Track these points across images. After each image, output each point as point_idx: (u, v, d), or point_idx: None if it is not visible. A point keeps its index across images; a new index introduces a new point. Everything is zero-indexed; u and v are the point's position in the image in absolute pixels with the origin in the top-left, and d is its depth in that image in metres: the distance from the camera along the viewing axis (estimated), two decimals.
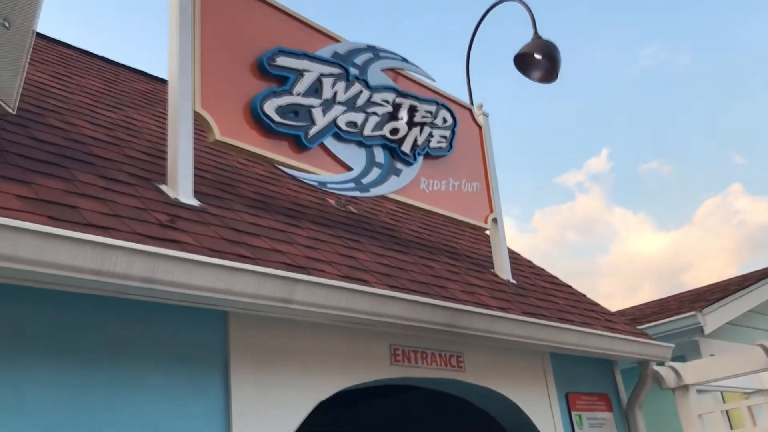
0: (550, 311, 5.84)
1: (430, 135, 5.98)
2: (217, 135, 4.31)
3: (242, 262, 3.39)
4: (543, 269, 7.78)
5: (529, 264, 7.74)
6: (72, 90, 5.54)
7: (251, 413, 3.55)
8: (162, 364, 3.33)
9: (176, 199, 3.96)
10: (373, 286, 4.06)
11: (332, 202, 5.95)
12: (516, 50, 7.75)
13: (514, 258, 7.63)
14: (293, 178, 4.83)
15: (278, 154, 4.68)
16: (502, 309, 5.05)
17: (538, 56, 7.01)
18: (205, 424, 3.38)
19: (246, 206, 4.54)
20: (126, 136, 4.88)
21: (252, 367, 3.66)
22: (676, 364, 6.48)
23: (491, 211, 6.44)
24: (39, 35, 6.81)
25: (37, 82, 5.24)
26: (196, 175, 4.66)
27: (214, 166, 5.23)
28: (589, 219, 37.43)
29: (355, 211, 6.08)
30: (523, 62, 7.16)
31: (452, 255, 6.22)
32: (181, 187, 4.03)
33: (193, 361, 3.46)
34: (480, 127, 6.72)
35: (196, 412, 3.38)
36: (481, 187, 6.47)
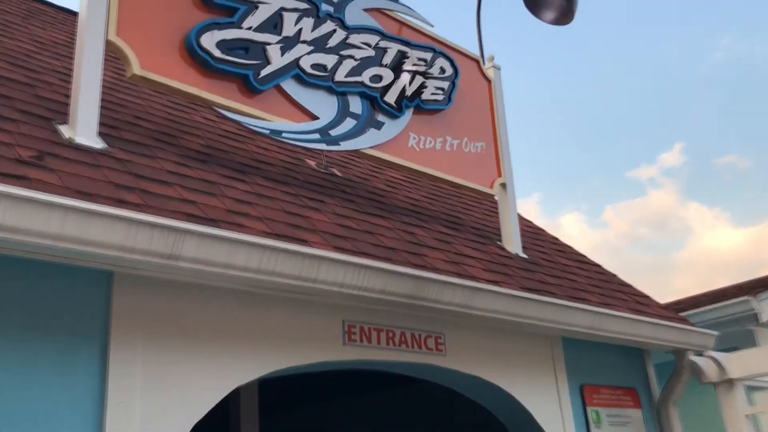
0: (562, 289, 4.97)
1: (423, 85, 5.18)
2: (135, 68, 3.64)
3: (116, 207, 2.70)
4: (570, 247, 6.87)
5: (554, 240, 6.84)
6: (14, 36, 4.99)
7: (135, 401, 2.86)
8: (14, 332, 2.68)
9: (70, 138, 3.31)
10: (311, 246, 3.32)
11: (312, 163, 5.22)
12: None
13: (536, 233, 6.76)
14: (238, 124, 4.13)
15: (219, 95, 3.98)
16: (491, 282, 4.23)
17: None
18: (69, 416, 2.72)
19: (178, 156, 3.87)
20: (53, 79, 4.28)
21: (142, 341, 2.97)
22: (719, 355, 5.50)
23: (499, 175, 5.59)
24: None
25: None
26: (123, 120, 4.04)
27: (160, 112, 4.58)
28: (662, 214, 35.51)
29: (339, 174, 5.34)
30: (534, 1, 6.27)
31: (451, 225, 5.42)
32: (80, 126, 3.38)
33: (60, 330, 2.79)
34: (489, 81, 5.87)
35: (59, 398, 2.71)
36: (488, 148, 5.63)
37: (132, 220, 2.65)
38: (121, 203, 2.81)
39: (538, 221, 7.05)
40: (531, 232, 6.65)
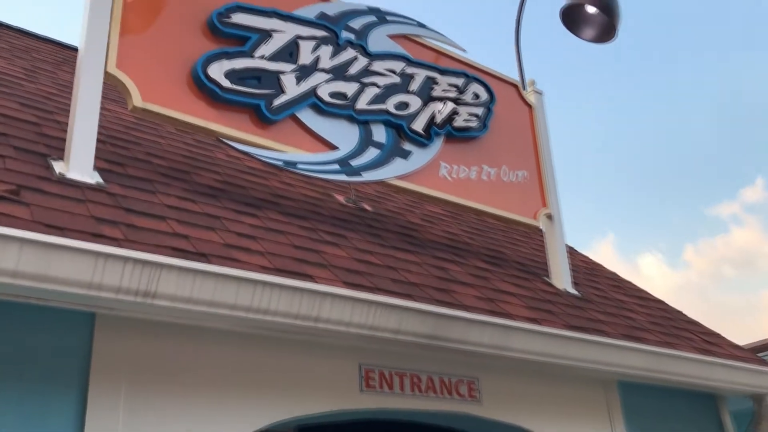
0: (616, 327, 4.48)
1: (454, 112, 4.87)
2: (136, 100, 3.47)
3: (86, 242, 2.47)
4: (630, 283, 6.33)
5: (612, 276, 6.32)
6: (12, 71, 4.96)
7: None
8: None
9: (61, 174, 3.13)
10: (315, 282, 3.01)
11: (340, 198, 4.95)
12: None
13: (592, 268, 6.27)
14: (248, 156, 3.90)
15: (228, 126, 3.77)
16: (530, 320, 3.81)
17: (591, 9, 5.69)
18: None
19: (184, 191, 3.65)
20: (65, 119, 4.16)
21: (125, 389, 2.70)
22: None
23: (544, 205, 5.19)
24: None
25: None
26: (132, 157, 3.87)
27: (178, 150, 4.41)
28: (747, 252, 33.52)
29: (369, 208, 5.05)
30: (572, 17, 5.88)
31: (492, 260, 5.02)
32: (74, 161, 3.21)
33: (34, 378, 2.55)
34: (530, 107, 5.51)
35: None
36: (531, 177, 5.25)
37: (100, 254, 2.40)
38: (96, 237, 2.57)
39: (615, 263, 6.52)
40: (586, 268, 6.17)
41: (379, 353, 3.45)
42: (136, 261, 2.47)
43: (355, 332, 3.00)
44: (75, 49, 6.42)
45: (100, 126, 4.29)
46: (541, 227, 5.17)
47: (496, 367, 3.87)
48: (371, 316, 3.03)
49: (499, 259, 5.14)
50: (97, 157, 3.56)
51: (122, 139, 4.19)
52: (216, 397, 2.90)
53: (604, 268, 6.56)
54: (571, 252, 6.48)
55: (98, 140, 3.95)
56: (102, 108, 4.76)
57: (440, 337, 3.26)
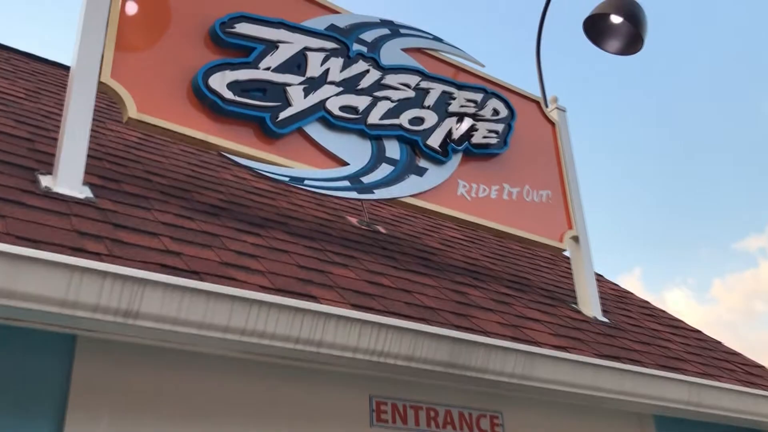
0: (651, 357, 4.13)
1: (473, 128, 4.62)
2: (131, 111, 3.26)
3: (62, 255, 2.22)
4: (663, 311, 5.97)
5: (643, 303, 5.96)
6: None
7: None
8: None
9: (47, 188, 2.91)
10: (319, 302, 2.73)
11: (353, 220, 4.69)
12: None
13: (622, 296, 5.92)
14: (252, 171, 3.66)
15: (230, 140, 3.54)
16: (557, 348, 3.49)
17: (616, 19, 5.42)
18: None
19: (183, 209, 3.41)
20: (51, 132, 3.97)
21: (108, 421, 2.42)
22: None
23: (570, 227, 4.88)
24: None
25: None
26: (131, 174, 3.65)
27: (182, 169, 4.19)
28: None
29: (384, 231, 4.78)
30: (595, 28, 5.62)
31: (515, 285, 4.71)
32: (62, 175, 2.99)
33: (3, 407, 2.29)
34: (553, 124, 5.24)
35: None
36: (556, 197, 4.95)
37: (75, 268, 2.15)
38: (75, 251, 2.33)
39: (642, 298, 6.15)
40: (615, 295, 5.82)
41: (392, 383, 3.15)
42: (116, 276, 2.22)
43: (363, 359, 2.71)
44: None
45: (99, 144, 4.12)
46: (566, 250, 4.85)
47: (521, 400, 3.55)
48: (381, 341, 2.74)
49: (522, 284, 4.83)
50: (91, 174, 3.38)
51: (122, 157, 3.98)
52: (208, 429, 2.61)
53: (634, 296, 6.20)
54: (600, 279, 6.14)
55: (96, 157, 3.77)
56: (104, 127, 4.62)
57: (458, 365, 2.95)
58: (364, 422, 3.04)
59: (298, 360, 2.72)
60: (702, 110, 25.43)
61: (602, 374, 3.43)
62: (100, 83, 3.22)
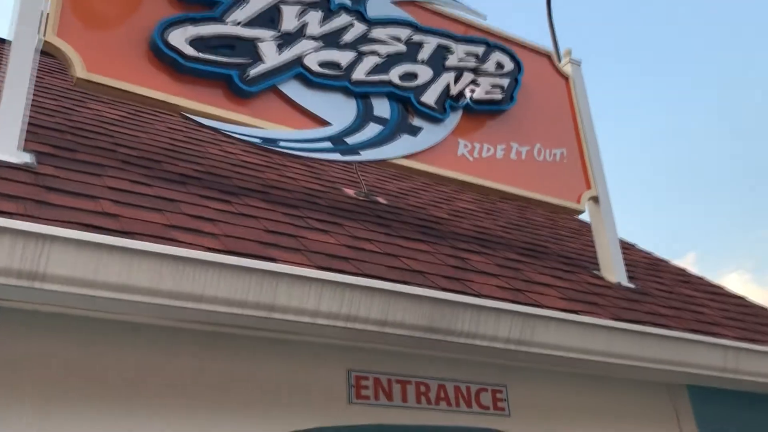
0: (682, 322, 3.69)
1: (474, 83, 4.24)
2: (79, 71, 2.99)
3: None
4: (703, 278, 5.47)
5: (679, 272, 5.48)
6: None
7: None
8: None
9: None
10: (275, 262, 2.40)
11: (350, 192, 4.36)
12: None
13: (654, 264, 5.45)
14: (218, 132, 3.35)
15: (193, 100, 3.25)
16: (566, 311, 3.08)
17: None
18: None
19: (144, 176, 3.13)
20: None
21: (30, 404, 2.14)
22: None
23: (588, 187, 4.47)
24: None
25: None
26: (95, 146, 3.39)
27: (162, 144, 3.92)
28: None
29: (384, 202, 4.43)
30: None
31: (528, 252, 4.31)
32: None
33: None
34: (567, 78, 4.82)
35: None
36: (572, 156, 4.54)
37: None
38: None
39: None
40: (647, 263, 5.36)
41: (373, 355, 2.80)
42: (17, 233, 1.93)
43: (326, 324, 2.37)
44: None
45: (69, 119, 3.88)
46: (585, 212, 4.43)
47: (528, 372, 3.16)
48: (347, 304, 2.40)
49: (538, 252, 4.43)
50: (45, 144, 3.13)
51: (91, 130, 3.73)
52: (144, 413, 2.31)
53: (669, 264, 5.71)
54: (629, 248, 5.69)
55: (59, 130, 3.53)
56: (83, 106, 4.39)
57: (441, 329, 2.59)
58: (342, 399, 2.71)
59: (250, 328, 2.40)
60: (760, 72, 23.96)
61: (617, 338, 3.03)
62: (44, 43, 2.96)
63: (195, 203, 2.95)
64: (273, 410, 2.53)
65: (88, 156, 3.17)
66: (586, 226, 6.05)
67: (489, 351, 2.78)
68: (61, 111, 4.02)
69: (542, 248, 4.59)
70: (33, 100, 3.80)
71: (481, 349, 2.76)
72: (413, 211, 4.44)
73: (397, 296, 2.49)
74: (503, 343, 2.74)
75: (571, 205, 4.34)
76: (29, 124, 3.37)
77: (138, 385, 2.30)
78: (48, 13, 2.98)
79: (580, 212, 4.44)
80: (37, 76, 4.79)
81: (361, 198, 4.29)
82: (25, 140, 2.83)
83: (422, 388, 2.91)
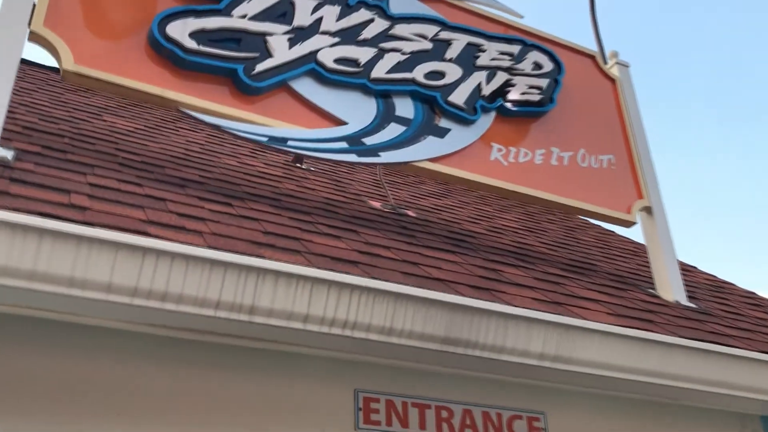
0: (751, 343, 3.19)
1: (508, 83, 3.88)
2: (66, 63, 2.76)
3: None
4: None
5: (749, 294, 4.92)
6: None
7: None
8: None
9: None
10: (257, 258, 2.05)
11: (376, 204, 4.03)
12: None
13: (720, 286, 4.91)
14: (219, 130, 3.07)
15: (193, 95, 2.98)
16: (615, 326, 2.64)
17: None
18: None
19: (138, 177, 2.86)
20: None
21: None
22: None
23: (640, 196, 4.02)
24: None
25: None
26: (92, 149, 3.15)
27: (168, 151, 3.67)
28: None
29: (413, 214, 4.08)
30: None
31: (574, 268, 3.88)
32: None
33: None
34: (613, 81, 4.42)
35: None
36: (621, 163, 4.11)
37: None
38: None
39: None
40: (710, 285, 4.83)
41: (385, 374, 2.42)
42: None
43: (318, 331, 2.00)
44: None
45: (75, 128, 3.67)
46: (636, 223, 3.97)
47: (571, 396, 2.72)
48: (344, 308, 2.03)
49: (585, 269, 3.98)
50: (34, 143, 2.90)
51: (96, 137, 3.51)
52: None
53: (737, 286, 5.15)
54: (690, 270, 5.17)
55: (59, 135, 3.31)
56: (99, 119, 4.19)
57: (460, 341, 2.19)
58: (347, 425, 2.32)
59: (233, 336, 2.05)
60: None
61: (674, 356, 2.57)
62: (31, 34, 2.74)
63: (188, 203, 2.66)
64: None
65: (80, 157, 2.92)
66: (641, 248, 5.56)
67: (521, 369, 2.37)
68: (70, 120, 3.83)
69: (590, 266, 4.15)
70: (43, 111, 3.62)
71: (510, 366, 2.35)
72: (446, 225, 4.07)
73: (404, 300, 2.12)
74: (537, 359, 2.32)
75: (620, 215, 3.90)
76: (27, 127, 3.17)
77: (80, 402, 1.98)
78: (35, 3, 2.79)
79: (631, 224, 3.98)
80: (55, 92, 4.65)
81: (387, 210, 3.95)
82: (16, 141, 2.61)
83: (444, 414, 2.50)
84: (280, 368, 2.25)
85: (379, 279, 2.23)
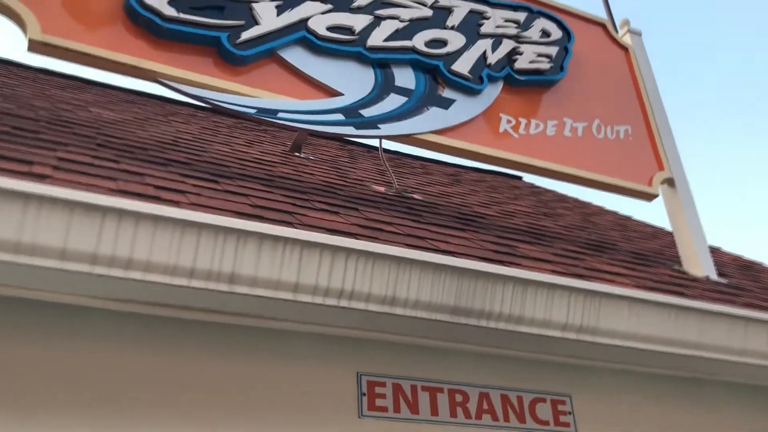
0: None
1: (515, 51, 3.63)
2: (33, 32, 2.54)
3: None
4: None
5: None
6: None
7: None
8: None
9: None
10: (251, 221, 1.81)
11: (380, 189, 3.78)
12: None
13: (748, 266, 4.64)
14: (202, 101, 2.83)
15: (172, 65, 2.75)
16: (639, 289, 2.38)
17: None
18: None
19: (117, 155, 2.63)
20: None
21: None
22: None
23: (661, 168, 3.76)
24: None
25: None
26: (74, 132, 2.93)
27: (158, 137, 3.44)
28: None
29: (419, 197, 3.83)
30: None
31: (596, 245, 3.62)
32: None
33: None
34: (626, 50, 4.16)
35: None
36: (638, 133, 3.86)
37: None
38: None
39: None
40: (738, 265, 4.55)
41: (391, 353, 2.16)
42: None
43: (310, 302, 1.75)
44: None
45: (58, 117, 3.46)
46: (658, 196, 3.71)
47: (600, 375, 2.45)
48: (338, 274, 1.78)
49: (606, 247, 3.72)
50: (5, 124, 2.68)
51: (78, 123, 3.28)
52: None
53: (765, 265, 4.87)
54: (714, 250, 4.88)
55: (39, 119, 3.09)
56: (83, 110, 3.97)
57: (471, 311, 1.93)
58: (350, 412, 2.06)
59: (218, 313, 1.80)
60: None
61: (714, 325, 2.30)
62: None
63: (168, 178, 2.42)
64: (254, 427, 1.91)
65: (53, 136, 2.70)
66: (662, 231, 5.30)
67: (542, 343, 2.11)
68: (51, 110, 3.61)
69: (611, 245, 3.88)
70: (23, 101, 3.41)
71: (530, 340, 2.09)
72: (455, 208, 3.82)
73: (408, 265, 1.87)
74: (560, 330, 2.06)
75: (641, 188, 3.64)
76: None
77: (33, 391, 1.73)
78: None
79: (653, 196, 3.71)
80: (41, 88, 4.44)
81: (391, 194, 3.70)
82: None
83: (458, 398, 2.24)
84: (270, 348, 1.99)
85: (379, 242, 1.97)
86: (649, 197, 3.72)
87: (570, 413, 2.39)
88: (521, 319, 1.99)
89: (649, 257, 3.71)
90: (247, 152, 3.86)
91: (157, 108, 5.03)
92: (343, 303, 1.78)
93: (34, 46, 2.55)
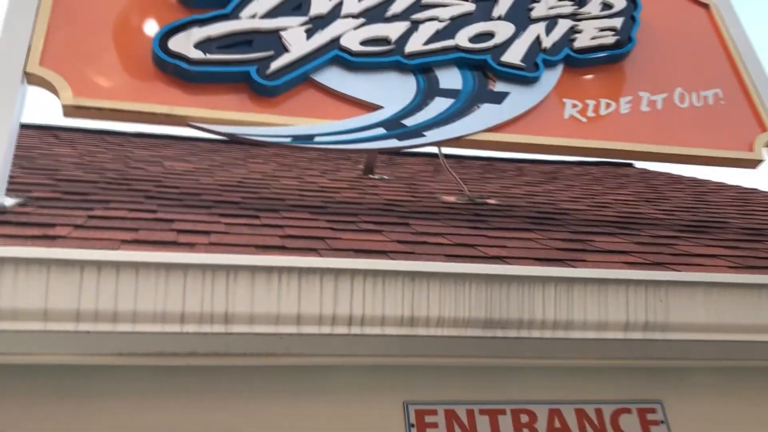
0: None
1: (575, 30, 3.35)
2: (65, 98, 2.59)
3: None
4: None
5: None
6: None
7: None
8: None
9: None
10: (239, 254, 1.70)
11: (450, 199, 3.59)
12: None
13: None
14: (234, 138, 2.77)
15: (203, 107, 2.72)
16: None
17: None
18: None
19: (162, 206, 2.63)
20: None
21: None
22: None
23: (763, 129, 3.32)
24: None
25: None
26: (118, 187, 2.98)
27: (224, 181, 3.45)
28: None
29: (495, 202, 3.60)
30: None
31: (698, 227, 3.23)
32: None
33: None
34: (707, 6, 3.75)
35: None
36: (732, 95, 3.44)
37: None
38: None
39: None
40: None
41: (438, 377, 1.97)
42: None
43: (317, 334, 1.61)
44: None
45: (122, 171, 3.55)
46: (763, 161, 3.27)
47: (694, 374, 2.12)
48: (344, 300, 1.63)
49: (711, 226, 3.32)
50: (56, 191, 2.76)
51: (142, 180, 3.35)
52: None
53: None
54: None
55: (94, 181, 3.18)
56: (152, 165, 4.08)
57: (508, 321, 1.71)
58: None
59: (228, 356, 1.69)
60: None
61: None
62: (27, 75, 2.61)
63: (198, 221, 2.37)
64: None
65: (102, 196, 2.74)
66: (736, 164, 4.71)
67: (602, 347, 1.84)
68: (126, 171, 3.72)
69: (720, 223, 3.46)
70: (94, 164, 3.52)
71: (588, 345, 1.82)
72: (535, 207, 3.55)
73: (423, 279, 1.68)
74: (621, 331, 1.78)
75: (740, 154, 3.22)
76: (63, 179, 3.06)
77: None
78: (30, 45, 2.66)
79: (758, 162, 3.27)
80: (124, 150, 4.62)
81: (461, 202, 3.50)
82: (38, 191, 2.46)
83: (524, 418, 2.00)
84: (295, 386, 1.86)
85: (414, 256, 1.80)
86: (753, 164, 3.27)
87: (663, 423, 2.08)
88: (570, 323, 1.74)
89: (762, 231, 3.26)
90: (314, 182, 3.79)
91: (238, 153, 5.11)
92: (355, 330, 1.62)
93: (69, 111, 2.60)
